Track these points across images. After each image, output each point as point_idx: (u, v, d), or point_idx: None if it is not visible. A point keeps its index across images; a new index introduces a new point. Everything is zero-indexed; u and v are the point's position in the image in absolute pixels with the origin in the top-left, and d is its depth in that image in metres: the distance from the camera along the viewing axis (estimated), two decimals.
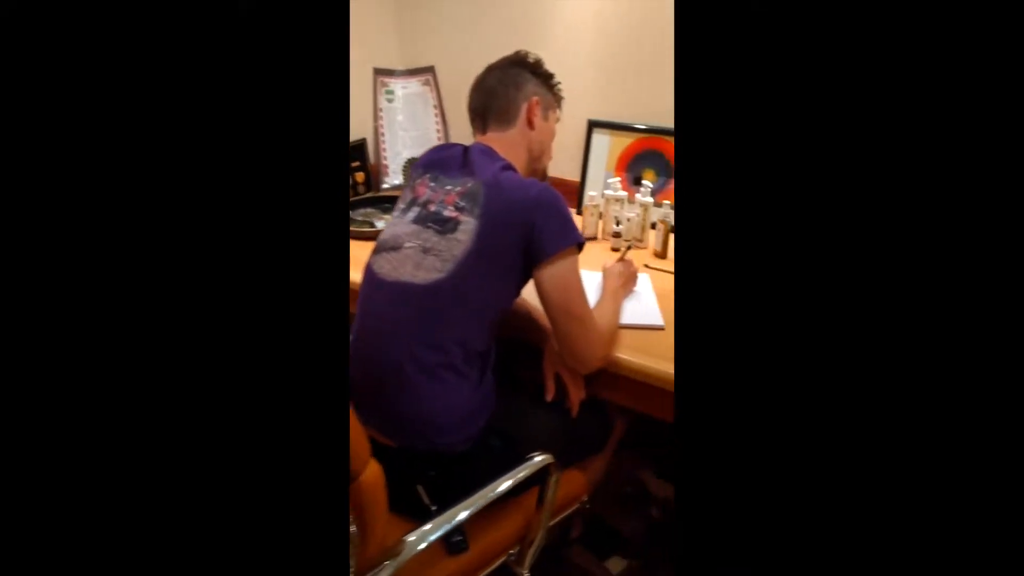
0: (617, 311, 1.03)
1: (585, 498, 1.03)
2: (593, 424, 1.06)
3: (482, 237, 0.87)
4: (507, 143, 1.01)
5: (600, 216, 1.47)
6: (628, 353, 1.00)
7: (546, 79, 1.06)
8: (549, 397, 0.99)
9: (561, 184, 1.70)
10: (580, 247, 0.91)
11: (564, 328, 0.90)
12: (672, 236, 1.38)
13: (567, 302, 0.89)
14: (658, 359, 0.98)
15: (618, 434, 1.12)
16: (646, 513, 1.49)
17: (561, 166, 1.70)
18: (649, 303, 1.15)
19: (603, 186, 1.57)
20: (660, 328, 1.08)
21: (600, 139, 1.59)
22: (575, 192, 1.65)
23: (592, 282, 1.21)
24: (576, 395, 0.99)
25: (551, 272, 0.88)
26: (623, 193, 1.43)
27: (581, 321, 0.90)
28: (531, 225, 0.87)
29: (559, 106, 1.10)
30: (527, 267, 0.90)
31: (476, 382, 0.90)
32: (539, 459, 0.84)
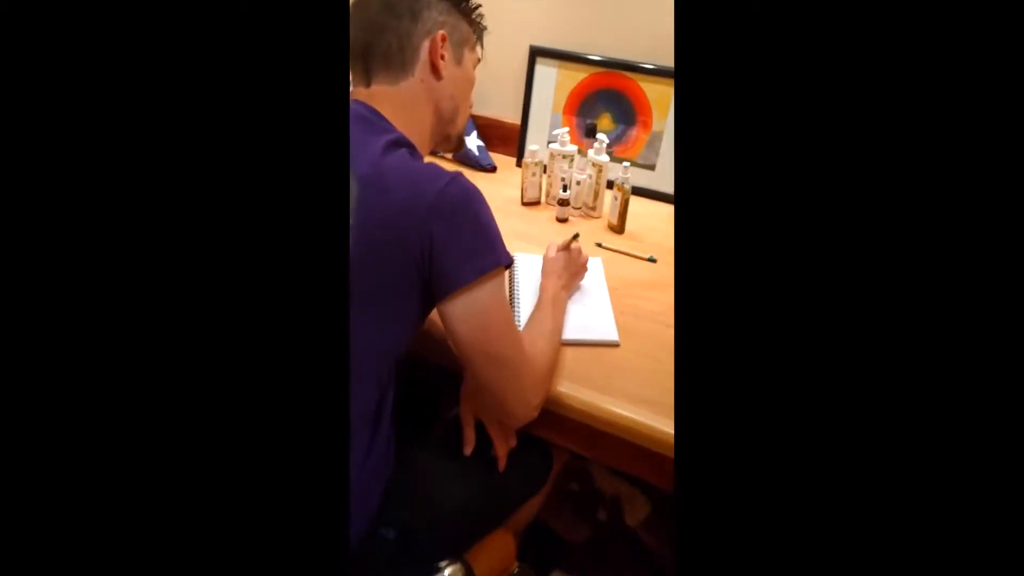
0: (557, 328, 0.78)
1: (516, 569, 0.82)
2: (528, 465, 0.84)
3: (355, 259, 0.58)
4: (401, 101, 0.69)
5: (545, 172, 1.18)
6: (567, 384, 0.76)
7: (458, 1, 0.73)
8: (468, 450, 0.75)
9: (497, 127, 1.38)
10: (507, 267, 0.64)
11: (486, 376, 0.64)
12: (629, 204, 1.11)
13: (489, 344, 0.62)
14: (609, 393, 0.75)
15: (560, 465, 0.90)
16: (593, 516, 1.33)
17: (497, 103, 1.37)
18: (601, 307, 0.90)
19: (548, 134, 1.27)
20: (614, 344, 0.84)
21: (545, 72, 1.26)
22: (514, 139, 1.34)
23: (533, 268, 0.95)
24: (503, 447, 0.75)
25: (463, 307, 0.61)
26: (572, 148, 1.14)
27: (510, 365, 0.64)
28: (427, 240, 0.58)
29: (479, 41, 0.78)
30: (426, 298, 0.63)
31: (364, 449, 0.64)
32: (448, 573, 0.61)
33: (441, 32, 0.70)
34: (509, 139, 1.36)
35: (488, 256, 0.61)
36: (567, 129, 1.13)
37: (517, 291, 0.92)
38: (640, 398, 0.75)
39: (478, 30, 0.77)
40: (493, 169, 1.32)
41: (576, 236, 0.90)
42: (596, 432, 0.75)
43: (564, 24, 1.23)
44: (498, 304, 0.62)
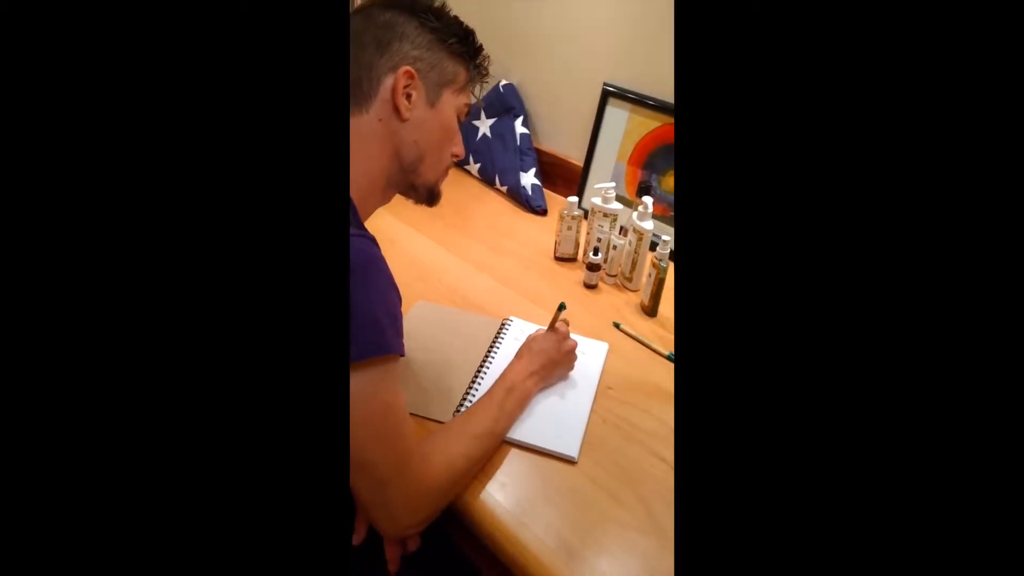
0: (494, 433, 0.65)
1: None
2: None
3: None
4: (352, 138, 0.61)
5: (587, 228, 1.03)
6: (491, 490, 0.63)
7: (445, 34, 0.63)
8: (356, 539, 0.65)
9: (561, 165, 1.25)
10: (397, 357, 0.53)
11: (353, 484, 0.54)
12: (667, 283, 0.93)
13: (356, 447, 0.52)
14: (529, 519, 0.60)
15: None
16: None
17: (564, 140, 1.25)
18: (576, 409, 0.75)
19: (611, 181, 1.12)
20: (571, 461, 0.69)
21: (615, 115, 1.11)
22: (575, 180, 1.20)
23: (522, 340, 0.82)
24: (393, 548, 0.64)
25: None
26: (616, 206, 0.98)
27: (374, 475, 0.54)
28: None
29: (470, 83, 0.67)
30: None
31: None
32: None
33: (406, 68, 0.60)
34: (573, 181, 1.23)
35: (363, 340, 0.50)
36: (613, 184, 0.98)
37: (490, 360, 0.80)
38: (560, 536, 0.60)
39: (472, 73, 0.66)
40: (543, 212, 1.20)
41: (562, 307, 0.76)
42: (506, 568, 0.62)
43: (642, 63, 1.07)
44: (368, 399, 0.51)
